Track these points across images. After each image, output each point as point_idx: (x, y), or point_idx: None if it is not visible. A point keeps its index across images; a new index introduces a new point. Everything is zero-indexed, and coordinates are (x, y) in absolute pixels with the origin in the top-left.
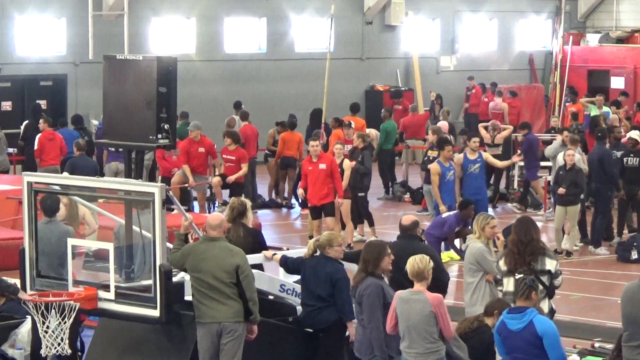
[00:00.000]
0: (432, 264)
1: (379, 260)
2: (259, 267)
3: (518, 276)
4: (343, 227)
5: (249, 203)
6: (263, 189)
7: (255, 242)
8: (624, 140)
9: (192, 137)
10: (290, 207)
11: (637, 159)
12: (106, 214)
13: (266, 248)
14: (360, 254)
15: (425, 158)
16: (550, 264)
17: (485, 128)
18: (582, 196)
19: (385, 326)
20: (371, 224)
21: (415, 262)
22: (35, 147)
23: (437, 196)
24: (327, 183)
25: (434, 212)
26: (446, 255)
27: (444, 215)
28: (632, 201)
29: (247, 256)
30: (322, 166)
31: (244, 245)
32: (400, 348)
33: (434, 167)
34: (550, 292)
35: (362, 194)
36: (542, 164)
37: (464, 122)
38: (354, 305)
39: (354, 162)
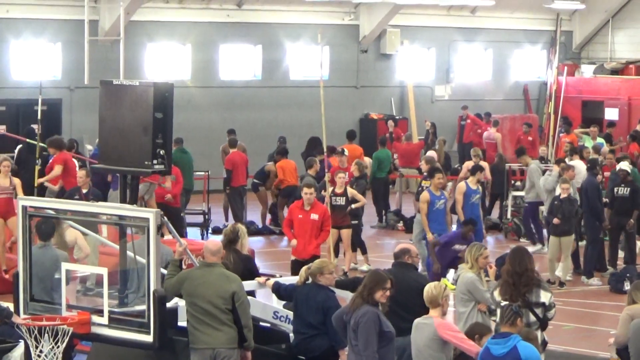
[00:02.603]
0: (447, 291)
1: (374, 290)
2: (251, 293)
3: (503, 303)
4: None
5: (243, 229)
6: (255, 215)
7: (246, 268)
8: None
9: None
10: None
11: (628, 189)
12: (100, 238)
13: (258, 275)
14: (354, 282)
15: (420, 188)
16: (544, 297)
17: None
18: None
19: (380, 354)
20: (364, 252)
21: (430, 288)
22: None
23: (424, 224)
24: (317, 235)
25: (418, 243)
26: (443, 282)
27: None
28: (623, 232)
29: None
30: (314, 216)
31: (235, 272)
32: None
33: (423, 195)
34: (543, 325)
35: (356, 221)
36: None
37: (458, 151)
38: (347, 330)
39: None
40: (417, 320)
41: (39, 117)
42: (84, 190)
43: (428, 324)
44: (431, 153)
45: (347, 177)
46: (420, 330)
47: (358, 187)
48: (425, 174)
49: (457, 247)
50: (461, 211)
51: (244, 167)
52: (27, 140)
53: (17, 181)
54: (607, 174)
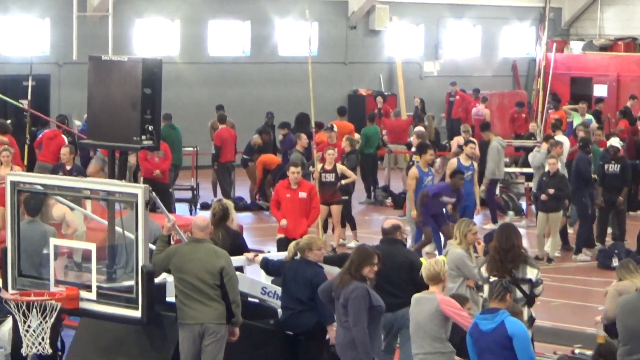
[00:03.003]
0: (446, 267)
1: (361, 266)
2: (240, 269)
3: (492, 279)
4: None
5: (231, 205)
6: (244, 191)
7: (234, 244)
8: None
9: None
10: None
11: (618, 165)
12: (89, 214)
13: (247, 250)
14: (342, 257)
15: (410, 163)
16: (531, 273)
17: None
18: (566, 202)
19: (368, 328)
20: (353, 228)
21: (431, 265)
22: (37, 139)
23: (410, 200)
24: (306, 214)
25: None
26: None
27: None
28: (613, 208)
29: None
30: (302, 195)
31: (223, 247)
32: (412, 352)
33: (412, 171)
34: (529, 301)
35: (346, 197)
36: (524, 170)
37: (447, 127)
38: (336, 306)
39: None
40: (417, 295)
41: (29, 93)
42: (68, 167)
43: (430, 299)
44: (421, 128)
45: (337, 153)
46: (421, 305)
47: (349, 162)
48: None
49: (445, 198)
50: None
51: (233, 143)
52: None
53: (17, 169)
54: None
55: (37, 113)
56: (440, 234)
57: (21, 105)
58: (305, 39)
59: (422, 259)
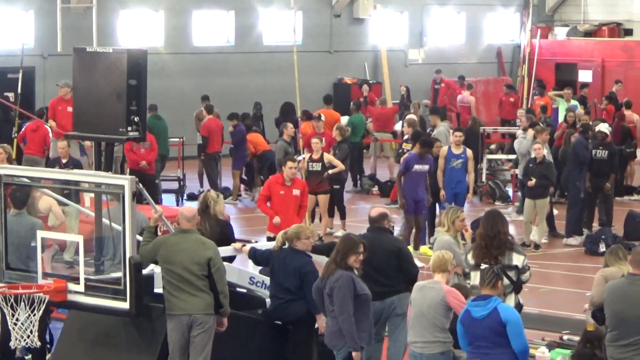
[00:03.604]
0: (453, 257)
1: (347, 255)
2: (231, 259)
3: (484, 266)
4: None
5: (213, 196)
6: (231, 181)
7: (222, 233)
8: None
9: (62, 94)
10: None
11: (606, 151)
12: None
13: (234, 240)
14: (330, 247)
15: (400, 150)
16: (517, 259)
17: None
18: (551, 189)
19: (356, 317)
20: (342, 217)
21: (442, 254)
22: (20, 132)
23: (398, 188)
24: (298, 212)
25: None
26: (422, 250)
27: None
28: (600, 194)
29: (218, 248)
30: (296, 192)
31: (211, 237)
32: (409, 340)
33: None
34: (517, 287)
35: (338, 186)
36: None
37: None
38: (323, 295)
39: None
40: (421, 283)
41: (19, 86)
42: (64, 161)
43: (436, 288)
44: (413, 116)
45: (324, 142)
46: (425, 293)
47: (341, 152)
48: (407, 136)
49: (417, 167)
50: (440, 174)
51: (220, 133)
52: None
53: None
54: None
55: (12, 105)
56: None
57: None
58: (290, 28)
59: (424, 248)
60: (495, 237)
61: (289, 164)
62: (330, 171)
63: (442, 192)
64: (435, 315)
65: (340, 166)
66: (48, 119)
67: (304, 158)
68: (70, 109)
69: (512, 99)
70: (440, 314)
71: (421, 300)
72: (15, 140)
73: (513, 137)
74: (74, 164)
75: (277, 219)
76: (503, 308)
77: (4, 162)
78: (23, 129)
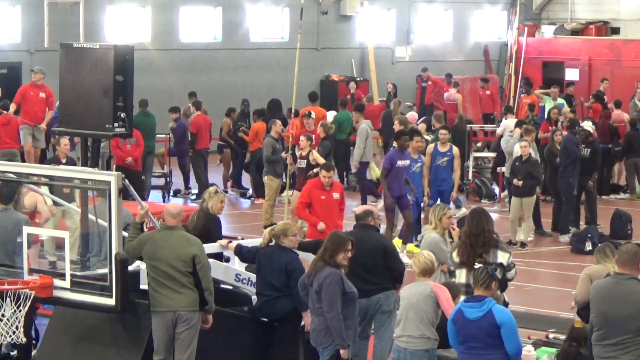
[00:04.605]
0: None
1: (335, 252)
2: (219, 256)
3: (477, 265)
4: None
5: (211, 191)
6: (217, 178)
7: (205, 227)
8: None
9: (34, 79)
10: (249, 197)
11: (589, 149)
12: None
13: (219, 236)
14: (316, 244)
15: (391, 148)
16: (502, 257)
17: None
18: (537, 188)
19: (343, 315)
20: None
21: (426, 258)
22: None
23: (383, 185)
24: (339, 215)
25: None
26: (409, 248)
27: None
28: (584, 192)
29: (205, 245)
30: (336, 195)
31: (194, 230)
32: (394, 335)
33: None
34: (502, 285)
35: None
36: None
37: (419, 113)
38: (310, 293)
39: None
40: (408, 285)
41: None
42: (63, 160)
43: (423, 283)
44: (411, 114)
45: (314, 140)
46: (414, 289)
47: (323, 148)
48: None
49: (400, 163)
50: (427, 172)
51: (208, 130)
52: None
53: None
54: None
55: None
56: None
57: None
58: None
59: (411, 246)
60: (479, 235)
61: (324, 172)
62: (314, 170)
63: (427, 191)
64: (424, 308)
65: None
66: (13, 104)
67: (290, 154)
68: (42, 94)
69: (488, 92)
70: (429, 307)
71: (410, 295)
72: None
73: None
74: (72, 164)
75: (321, 225)
76: (498, 310)
77: None
78: None
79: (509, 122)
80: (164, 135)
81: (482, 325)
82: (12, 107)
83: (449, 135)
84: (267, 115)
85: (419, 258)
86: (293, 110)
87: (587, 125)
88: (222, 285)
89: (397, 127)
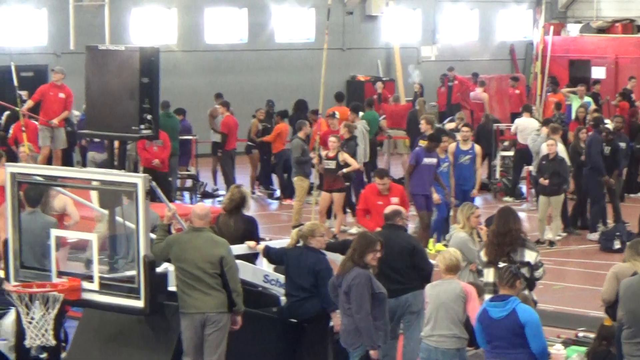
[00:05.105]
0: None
1: (364, 253)
2: (249, 257)
3: (502, 265)
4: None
5: (248, 193)
6: (244, 179)
7: (247, 230)
8: None
9: (55, 80)
10: (276, 198)
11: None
12: (88, 203)
13: (257, 237)
14: (344, 244)
15: (417, 147)
16: (529, 256)
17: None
18: (565, 186)
19: (373, 315)
20: (354, 214)
21: (451, 255)
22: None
23: (406, 181)
24: None
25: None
26: (438, 247)
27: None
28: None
29: (233, 247)
30: (395, 200)
31: (236, 233)
32: (422, 334)
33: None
34: (530, 284)
35: (347, 183)
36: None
37: (446, 113)
38: (339, 294)
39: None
40: (435, 282)
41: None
42: None
43: (452, 282)
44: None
45: (338, 140)
46: (442, 287)
47: (348, 148)
48: (424, 133)
49: (426, 161)
50: (452, 171)
51: (236, 130)
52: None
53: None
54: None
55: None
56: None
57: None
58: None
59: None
60: (507, 234)
61: (377, 180)
62: (344, 170)
63: (436, 196)
64: (453, 305)
65: (355, 165)
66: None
67: (317, 154)
68: (62, 95)
69: (517, 91)
70: (460, 307)
71: (439, 294)
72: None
73: None
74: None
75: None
76: (522, 309)
77: (28, 161)
78: (12, 131)
79: (523, 120)
80: (191, 137)
81: (507, 325)
82: (29, 103)
83: (470, 133)
84: (293, 116)
85: (444, 254)
86: (320, 111)
87: (608, 123)
88: (251, 287)
89: (423, 127)
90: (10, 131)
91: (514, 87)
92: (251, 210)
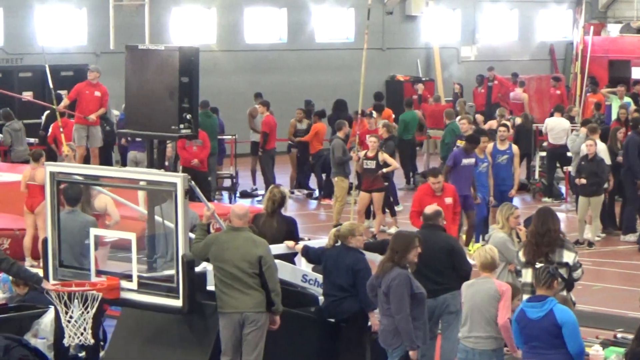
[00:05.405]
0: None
1: (407, 252)
2: (288, 256)
3: (538, 265)
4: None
5: (287, 193)
6: (283, 179)
7: (289, 231)
8: None
9: (90, 78)
10: (315, 197)
11: None
12: (128, 203)
13: (297, 237)
14: (382, 244)
15: (455, 147)
16: (568, 257)
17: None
18: (605, 186)
19: (412, 315)
20: (393, 214)
21: (487, 253)
22: (49, 133)
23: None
24: (452, 219)
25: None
26: (477, 247)
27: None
28: None
29: (271, 246)
30: (449, 200)
31: (279, 234)
32: (459, 335)
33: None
34: (568, 285)
35: (386, 183)
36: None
37: (486, 113)
38: (378, 294)
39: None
40: (471, 281)
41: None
42: (166, 163)
43: (487, 282)
44: (477, 116)
45: (378, 140)
46: (477, 287)
47: (387, 148)
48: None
49: (465, 161)
50: (490, 171)
51: (276, 130)
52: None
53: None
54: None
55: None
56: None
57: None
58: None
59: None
60: (545, 235)
61: (431, 179)
62: (384, 169)
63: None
64: (489, 308)
65: (395, 165)
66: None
67: (358, 154)
68: (97, 93)
69: (558, 91)
70: (495, 308)
71: (473, 294)
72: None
73: None
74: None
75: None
76: (559, 310)
77: (72, 160)
78: (51, 130)
79: (553, 120)
80: (230, 137)
81: (544, 325)
82: (65, 101)
83: (508, 133)
84: (333, 116)
85: (480, 252)
86: (360, 111)
87: None
88: (289, 286)
89: (464, 127)
90: (50, 130)
91: (555, 88)
92: (290, 210)
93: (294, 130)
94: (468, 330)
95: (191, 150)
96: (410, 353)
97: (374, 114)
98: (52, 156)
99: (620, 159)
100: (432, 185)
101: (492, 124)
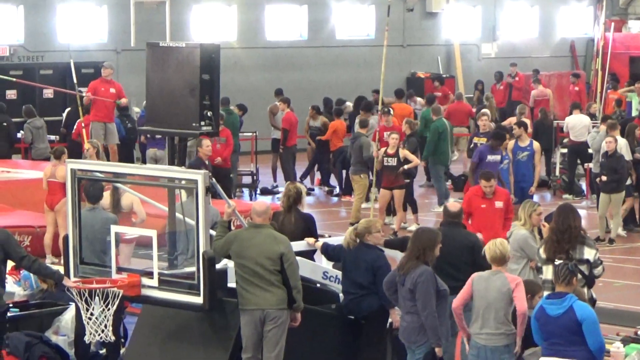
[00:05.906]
0: (510, 247)
1: (433, 249)
2: (307, 253)
3: (558, 262)
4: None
5: (304, 189)
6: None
7: (306, 228)
8: None
9: (104, 75)
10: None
11: None
12: (149, 201)
13: (316, 235)
14: (403, 241)
15: (472, 145)
16: (589, 253)
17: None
18: (628, 182)
19: (437, 313)
20: (414, 211)
21: (496, 247)
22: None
23: (470, 179)
24: (502, 225)
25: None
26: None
27: None
28: None
29: (292, 243)
30: (499, 204)
31: (296, 231)
32: (471, 331)
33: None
34: (589, 282)
35: (407, 180)
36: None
37: (506, 110)
38: (400, 291)
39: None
40: (483, 274)
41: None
42: (206, 162)
43: (500, 277)
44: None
45: (399, 137)
46: (490, 283)
47: (409, 145)
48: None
49: (490, 158)
50: (511, 168)
51: (296, 127)
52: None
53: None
54: None
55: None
56: None
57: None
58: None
59: None
60: (566, 231)
61: (483, 182)
62: (405, 166)
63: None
64: (501, 305)
65: (416, 161)
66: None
67: (377, 151)
68: (113, 90)
69: (577, 88)
70: (506, 304)
71: (485, 290)
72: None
73: None
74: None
75: (479, 236)
76: (579, 306)
77: (93, 157)
78: (76, 126)
79: (573, 117)
80: (250, 134)
81: (564, 322)
82: (89, 95)
83: (521, 130)
84: (353, 113)
85: (490, 246)
86: (380, 108)
87: None
88: (310, 283)
89: (484, 125)
90: (75, 126)
91: (575, 84)
92: (310, 205)
93: (308, 127)
94: (480, 327)
95: (215, 148)
96: (436, 349)
97: (392, 110)
98: (77, 153)
99: (638, 155)
100: (483, 188)
101: (512, 120)
